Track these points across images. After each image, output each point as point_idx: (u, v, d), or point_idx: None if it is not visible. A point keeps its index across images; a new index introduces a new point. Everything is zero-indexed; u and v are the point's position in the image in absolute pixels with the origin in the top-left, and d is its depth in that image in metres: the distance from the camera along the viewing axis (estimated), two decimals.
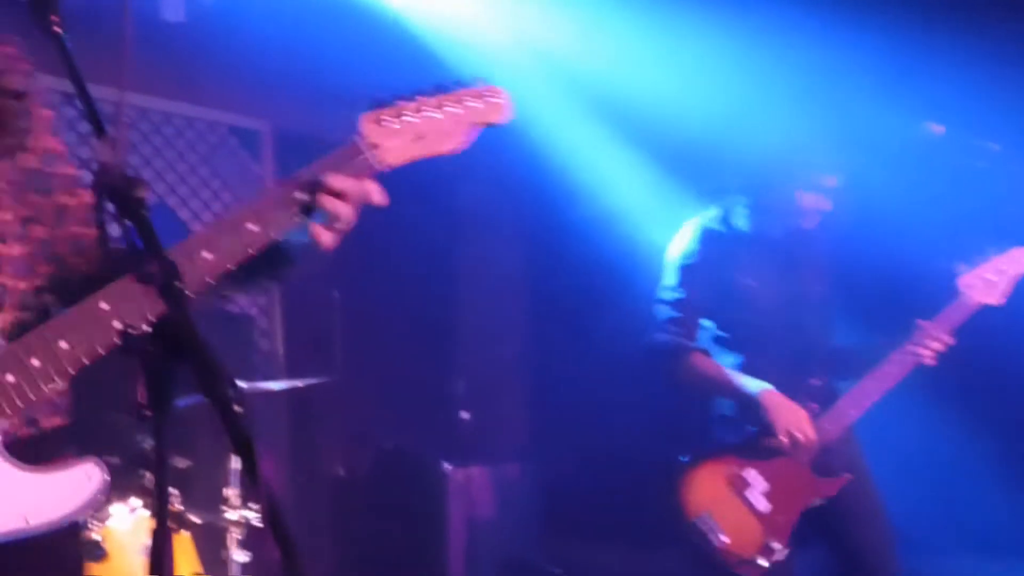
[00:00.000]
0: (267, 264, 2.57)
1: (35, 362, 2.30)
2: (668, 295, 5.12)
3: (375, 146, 2.62)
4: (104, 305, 2.34)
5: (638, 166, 7.24)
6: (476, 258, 8.24)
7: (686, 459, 5.00)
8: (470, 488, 7.32)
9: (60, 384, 2.34)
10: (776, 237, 5.05)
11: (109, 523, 4.60)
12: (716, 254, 5.07)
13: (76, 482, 2.38)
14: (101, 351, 2.35)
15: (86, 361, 2.35)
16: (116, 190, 2.06)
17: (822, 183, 4.93)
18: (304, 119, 7.40)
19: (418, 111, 2.65)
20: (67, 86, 2.16)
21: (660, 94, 6.75)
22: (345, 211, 2.51)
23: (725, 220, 5.13)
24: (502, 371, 8.23)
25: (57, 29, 2.14)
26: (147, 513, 4.59)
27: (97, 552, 4.51)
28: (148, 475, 4.58)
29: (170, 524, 2.19)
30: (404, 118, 2.65)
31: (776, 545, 4.84)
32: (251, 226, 2.47)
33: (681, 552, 4.90)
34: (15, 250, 2.46)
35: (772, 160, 4.96)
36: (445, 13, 6.99)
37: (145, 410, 2.10)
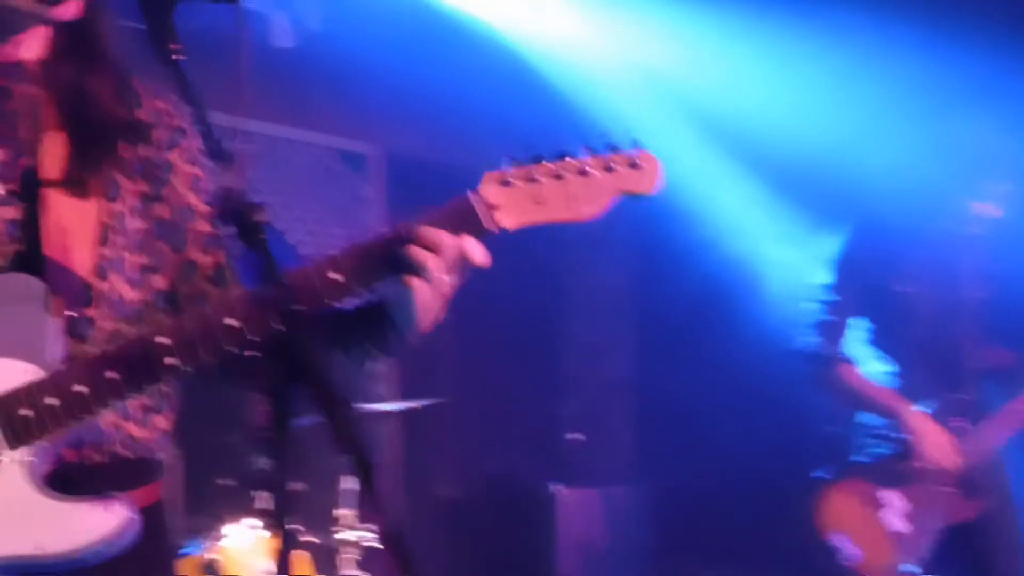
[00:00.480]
0: (365, 327, 2.50)
1: (80, 388, 2.31)
2: (820, 295, 5.03)
3: (493, 207, 2.43)
4: (159, 339, 2.36)
5: (746, 183, 7.20)
6: (584, 277, 8.24)
7: (821, 476, 4.92)
8: (579, 509, 7.30)
9: (96, 414, 2.36)
10: (936, 243, 4.92)
11: (224, 543, 4.65)
12: (874, 257, 4.96)
13: (97, 517, 2.39)
14: (146, 387, 2.35)
15: (132, 394, 2.34)
16: (237, 215, 2.08)
17: (993, 189, 4.82)
18: (412, 143, 7.46)
19: (554, 175, 2.46)
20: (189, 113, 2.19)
21: (768, 112, 6.72)
22: (436, 266, 2.37)
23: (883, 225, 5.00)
24: (611, 391, 8.21)
25: (177, 57, 2.16)
26: (262, 534, 4.63)
27: (214, 572, 4.56)
28: (262, 496, 4.62)
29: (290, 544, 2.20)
30: (536, 180, 2.46)
31: (911, 568, 4.75)
32: (333, 275, 2.38)
33: (806, 573, 4.83)
34: (127, 293, 2.49)
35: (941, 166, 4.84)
36: (554, 36, 7.01)
37: (265, 432, 2.11)
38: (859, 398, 4.92)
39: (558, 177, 2.45)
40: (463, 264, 2.39)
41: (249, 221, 2.08)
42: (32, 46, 2.44)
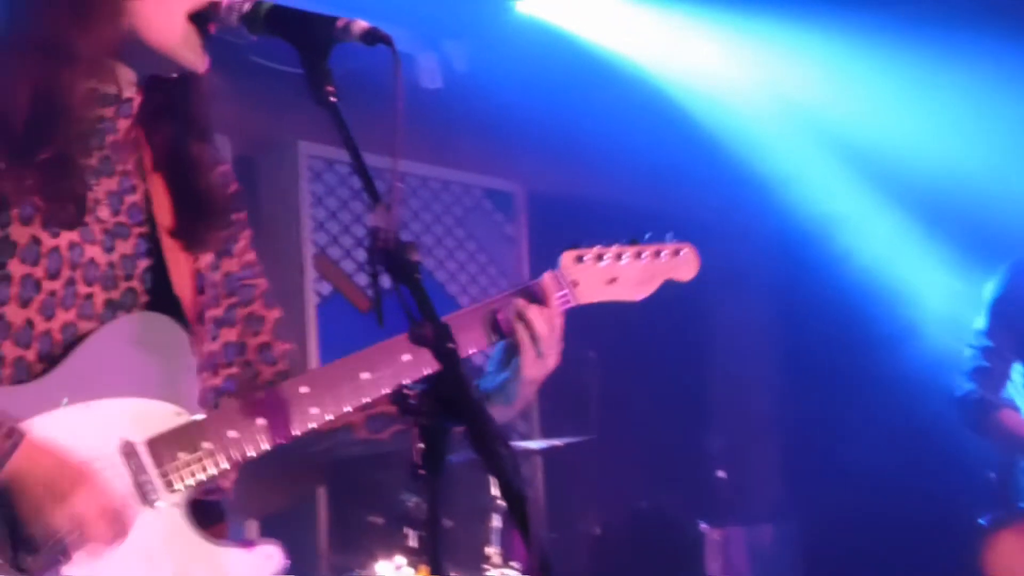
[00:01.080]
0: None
1: (232, 433, 2.36)
2: (977, 341, 4.94)
3: (575, 283, 2.71)
4: (303, 389, 2.40)
5: (895, 215, 7.10)
6: (730, 314, 8.18)
7: (986, 521, 4.81)
8: (727, 548, 7.23)
9: (259, 455, 2.40)
10: None
11: None
12: None
13: (256, 564, 2.41)
14: (295, 433, 2.40)
15: (282, 441, 2.40)
16: (390, 254, 2.10)
17: None
18: (556, 181, 7.48)
19: (617, 257, 2.76)
20: (343, 155, 2.22)
21: (916, 142, 6.62)
22: (530, 340, 2.57)
23: None
24: (758, 429, 8.13)
25: (333, 100, 2.20)
26: (411, 571, 4.65)
27: None
28: (411, 533, 4.64)
29: None
30: (603, 261, 2.75)
31: None
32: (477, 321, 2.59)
33: None
34: (210, 344, 2.54)
35: None
36: (696, 70, 6.99)
37: (420, 469, 2.13)
38: (1021, 443, 4.82)
39: (620, 259, 2.76)
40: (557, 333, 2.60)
41: (402, 260, 2.10)
42: (137, 88, 2.48)
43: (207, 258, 2.52)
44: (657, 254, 2.80)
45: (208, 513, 2.44)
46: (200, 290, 2.49)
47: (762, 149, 7.09)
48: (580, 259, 2.73)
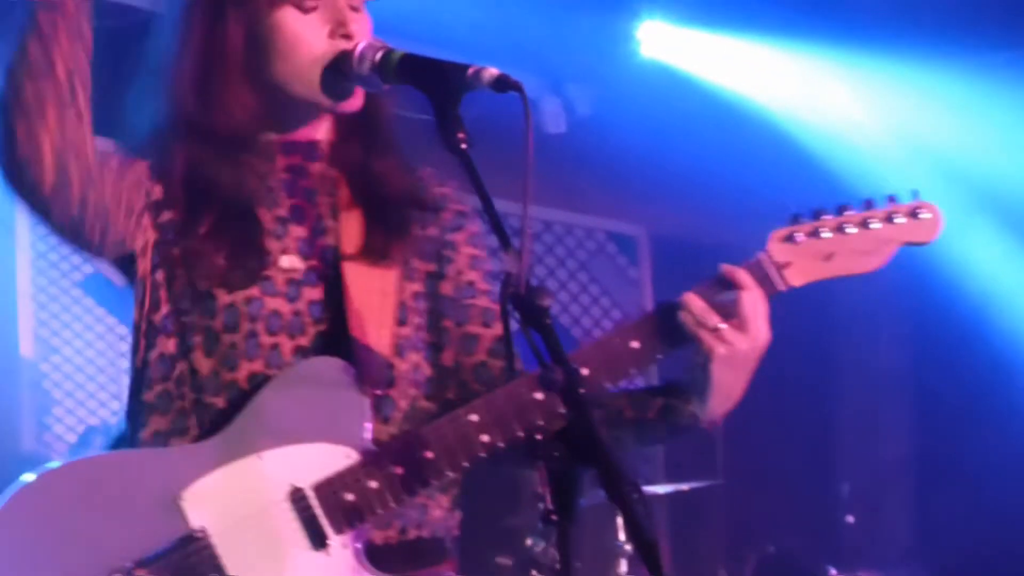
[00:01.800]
0: (662, 407, 2.49)
1: (398, 470, 2.35)
2: None
3: (784, 265, 2.44)
4: (473, 417, 2.39)
5: None
6: (858, 354, 8.08)
7: None
8: None
9: (416, 495, 2.39)
10: None
11: None
12: None
13: None
14: (465, 464, 2.38)
15: (451, 474, 2.38)
16: (521, 299, 2.11)
17: None
18: (680, 224, 7.46)
19: (837, 228, 2.44)
20: (474, 201, 2.24)
21: None
22: (731, 334, 2.36)
23: None
24: (887, 471, 8.01)
25: (464, 146, 2.21)
26: None
27: None
28: None
29: None
30: (820, 235, 2.44)
31: None
32: (634, 343, 2.39)
33: None
34: (423, 370, 2.54)
35: None
36: (822, 111, 6.95)
37: (551, 514, 2.12)
38: None
39: (842, 231, 2.44)
40: (754, 329, 2.38)
41: (533, 305, 2.11)
42: (323, 128, 2.53)
43: (413, 287, 2.52)
44: (889, 218, 2.45)
45: (425, 552, 2.47)
46: (401, 321, 2.49)
47: (889, 190, 7.01)
48: (791, 238, 2.43)
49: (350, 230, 2.49)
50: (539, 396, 2.34)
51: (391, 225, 2.49)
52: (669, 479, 6.69)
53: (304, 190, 2.50)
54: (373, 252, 2.47)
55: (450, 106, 2.22)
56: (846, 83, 6.85)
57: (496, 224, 2.19)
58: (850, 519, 7.19)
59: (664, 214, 7.42)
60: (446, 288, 2.57)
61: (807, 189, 6.97)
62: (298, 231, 2.47)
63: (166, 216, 2.42)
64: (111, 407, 5.55)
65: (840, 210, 2.45)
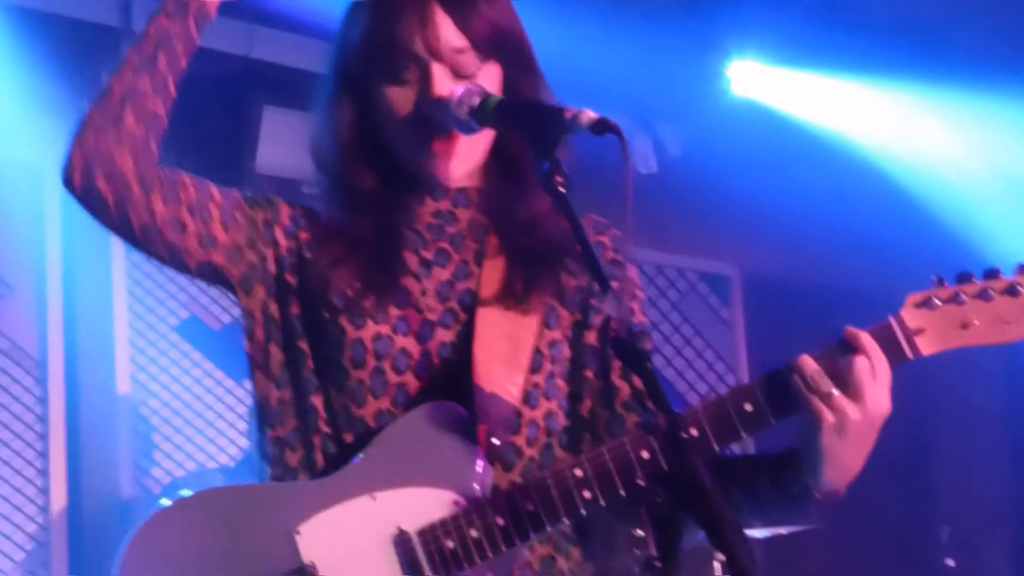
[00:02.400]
0: (773, 478, 2.41)
1: (499, 520, 2.34)
2: None
3: (917, 331, 2.33)
4: (578, 472, 2.35)
5: None
6: (957, 397, 7.97)
7: None
8: None
9: (524, 545, 2.38)
10: None
11: None
12: None
13: None
14: (565, 519, 2.35)
15: (550, 528, 2.36)
16: (622, 343, 2.10)
17: None
18: (773, 263, 7.40)
19: (980, 294, 2.32)
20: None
21: None
22: (843, 402, 2.27)
23: None
24: (988, 515, 7.89)
25: (562, 190, 2.21)
26: None
27: None
28: None
29: None
30: (960, 301, 2.32)
31: None
32: (747, 406, 2.31)
33: None
34: (556, 420, 2.53)
35: None
36: (914, 147, 6.89)
37: (654, 560, 2.10)
38: None
39: (986, 297, 2.32)
40: (869, 398, 2.30)
41: (634, 349, 2.10)
42: (474, 175, 2.53)
43: (552, 335, 2.49)
44: None
45: None
46: (534, 368, 2.47)
47: (986, 228, 6.93)
48: (928, 303, 2.31)
49: (492, 276, 2.49)
50: (645, 455, 2.30)
51: (533, 272, 2.48)
52: (766, 524, 6.62)
53: (451, 235, 2.51)
54: (511, 297, 2.46)
55: (549, 149, 2.22)
56: (941, 119, 6.79)
57: (594, 266, 2.18)
58: (950, 562, 7.08)
59: (757, 253, 7.38)
60: (590, 338, 2.53)
61: (902, 227, 6.90)
62: (441, 274, 2.48)
63: (294, 247, 2.49)
64: (208, 451, 5.59)
65: (987, 275, 2.32)
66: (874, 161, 6.96)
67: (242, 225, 2.46)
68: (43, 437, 5.23)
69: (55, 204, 5.38)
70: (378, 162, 2.49)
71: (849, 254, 7.14)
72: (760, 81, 6.63)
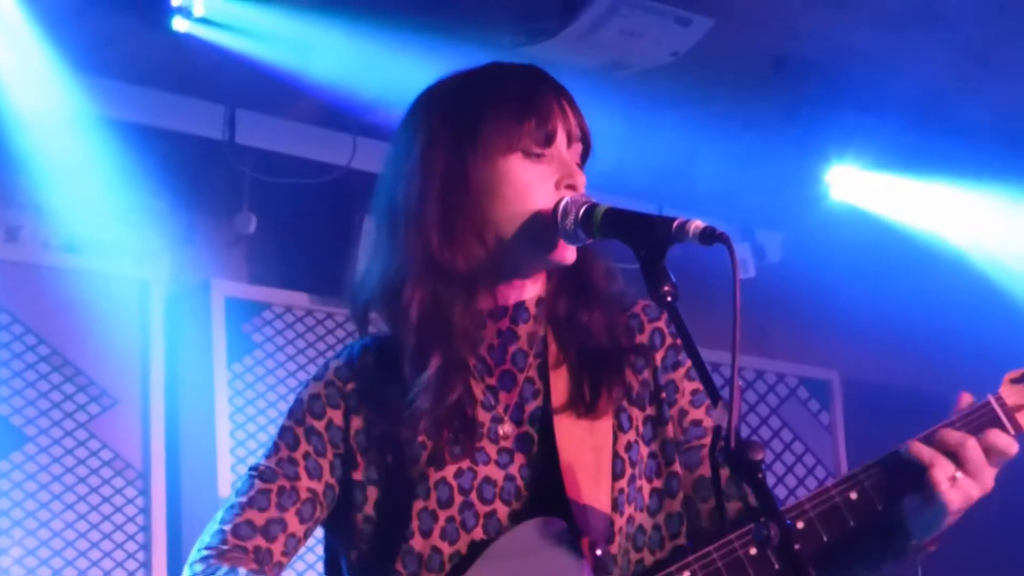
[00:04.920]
0: (882, 539, 2.41)
1: None
2: None
3: (1017, 408, 2.38)
4: (687, 574, 2.34)
5: None
6: None
7: None
8: None
9: None
10: None
11: None
12: None
13: None
14: None
15: None
16: (732, 454, 2.07)
17: None
18: (874, 368, 7.33)
19: None
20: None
21: None
22: (950, 471, 2.30)
23: None
24: None
25: (670, 299, 2.20)
26: None
27: None
28: None
29: None
30: None
31: None
32: (852, 495, 2.35)
33: None
34: (645, 522, 2.50)
35: None
36: (1014, 251, 6.81)
37: None
38: None
39: None
40: (990, 464, 2.32)
41: (744, 459, 2.07)
42: (533, 288, 2.53)
43: (626, 437, 2.48)
44: None
45: None
46: (617, 475, 2.45)
47: None
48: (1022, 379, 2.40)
49: (559, 387, 2.47)
50: (753, 552, 2.30)
51: (600, 376, 2.46)
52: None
53: (513, 354, 2.50)
54: (581, 406, 2.44)
55: (656, 259, 2.22)
56: None
57: (705, 376, 2.17)
58: None
59: (857, 358, 7.30)
60: (670, 431, 2.52)
61: (1002, 330, 6.80)
62: (507, 398, 2.47)
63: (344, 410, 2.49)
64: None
65: None
66: (973, 264, 6.89)
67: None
68: (145, 547, 5.25)
69: (159, 316, 5.45)
70: (480, 243, 2.44)
71: (949, 358, 7.03)
72: (859, 186, 6.59)
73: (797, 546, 2.05)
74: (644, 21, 5.06)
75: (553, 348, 2.50)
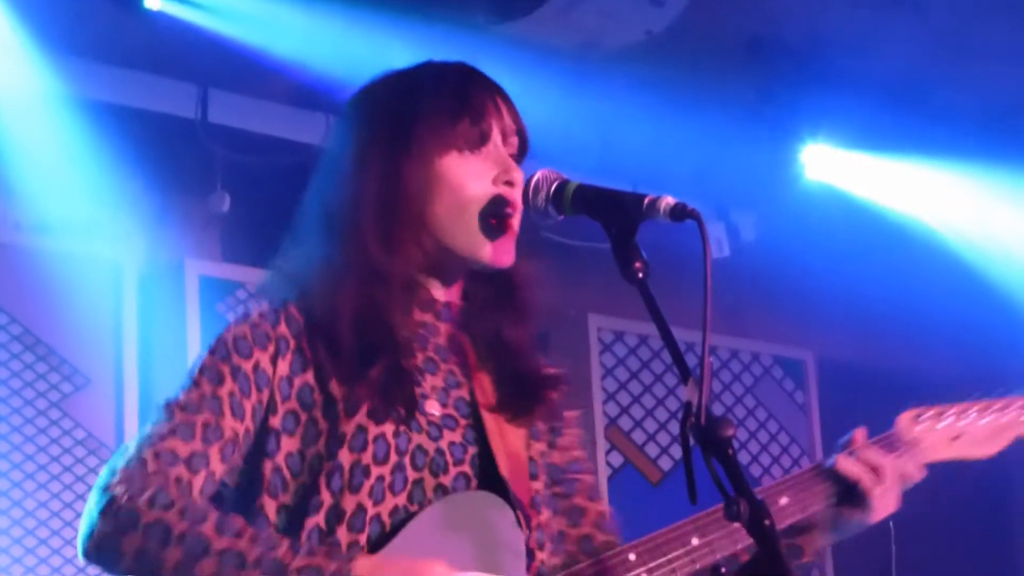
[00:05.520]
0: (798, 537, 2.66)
1: None
2: None
3: (914, 442, 2.68)
4: (631, 556, 2.39)
5: None
6: None
7: None
8: None
9: None
10: None
11: None
12: None
13: None
14: None
15: None
16: (703, 430, 2.08)
17: None
18: (848, 348, 7.35)
19: (960, 414, 2.72)
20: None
21: None
22: (875, 486, 2.61)
23: None
24: None
25: (641, 276, 2.20)
26: None
27: None
28: None
29: None
30: (944, 420, 2.72)
31: None
32: (783, 500, 2.58)
33: None
34: (554, 529, 2.53)
35: None
36: (993, 232, 6.83)
37: None
38: None
39: (965, 417, 2.71)
40: (902, 485, 2.63)
41: (715, 436, 2.08)
42: (456, 291, 2.54)
43: (539, 446, 2.54)
44: (1004, 409, 2.75)
45: None
46: (533, 475, 2.49)
47: None
48: (918, 418, 2.71)
49: (484, 387, 2.50)
50: (696, 542, 2.41)
51: (524, 394, 2.51)
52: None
53: (436, 346, 2.50)
54: (507, 411, 2.49)
55: (627, 236, 2.22)
56: (1016, 203, 6.73)
57: (676, 354, 2.17)
58: None
59: (831, 338, 7.32)
60: (555, 458, 2.59)
61: (976, 312, 6.83)
62: (432, 380, 2.46)
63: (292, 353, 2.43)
64: None
65: (972, 397, 2.75)
66: (949, 245, 6.90)
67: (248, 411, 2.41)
68: None
69: (132, 296, 5.44)
70: (418, 244, 2.44)
71: (924, 338, 7.06)
72: (834, 166, 6.60)
73: (768, 522, 2.06)
74: (618, 0, 5.07)
75: (472, 356, 2.52)
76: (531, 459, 2.50)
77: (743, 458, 7.00)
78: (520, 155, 2.52)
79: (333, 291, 2.40)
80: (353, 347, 2.38)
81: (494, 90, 2.51)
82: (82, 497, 5.22)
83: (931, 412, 2.71)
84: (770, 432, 7.22)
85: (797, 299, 6.94)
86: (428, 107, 2.46)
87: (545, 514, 2.49)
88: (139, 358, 5.43)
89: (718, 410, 6.34)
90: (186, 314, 5.48)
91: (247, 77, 5.46)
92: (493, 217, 2.43)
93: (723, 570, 2.19)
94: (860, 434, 2.68)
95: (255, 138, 5.66)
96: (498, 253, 2.45)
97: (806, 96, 5.93)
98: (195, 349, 5.44)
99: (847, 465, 2.61)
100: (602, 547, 2.55)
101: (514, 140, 2.51)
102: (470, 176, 2.43)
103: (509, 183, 2.44)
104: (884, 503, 2.58)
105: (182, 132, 5.55)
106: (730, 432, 2.07)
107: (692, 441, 2.09)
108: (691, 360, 2.15)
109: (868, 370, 7.20)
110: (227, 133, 5.63)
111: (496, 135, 2.47)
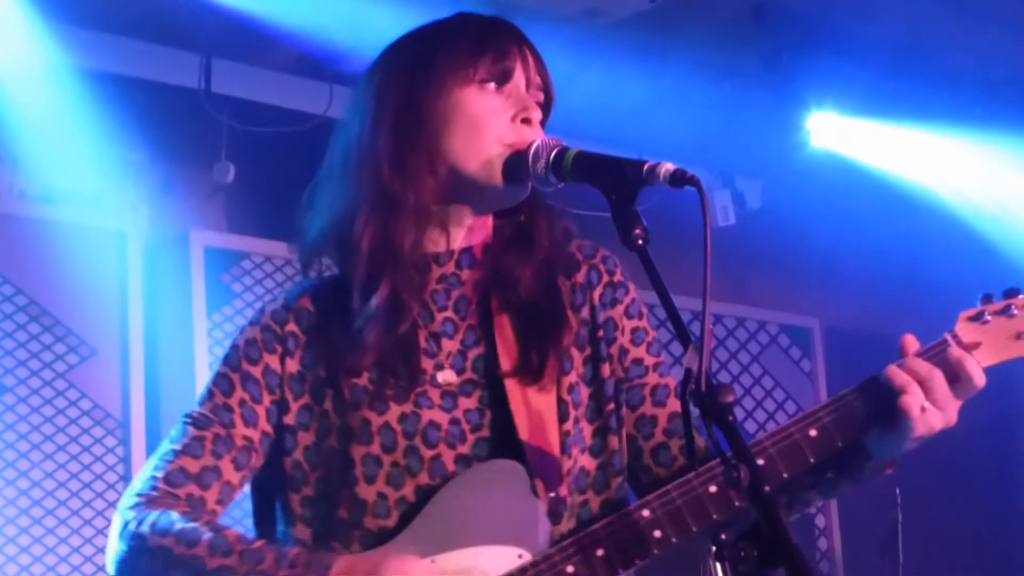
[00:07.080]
0: (841, 463, 2.45)
1: (569, 568, 2.32)
2: None
3: (974, 345, 2.42)
4: (646, 513, 2.34)
5: None
6: None
7: None
8: None
9: None
10: None
11: None
12: None
13: None
14: (638, 561, 2.34)
15: (623, 572, 2.33)
16: (703, 397, 2.07)
17: None
18: (855, 315, 7.34)
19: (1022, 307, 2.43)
20: (652, 298, 2.21)
21: None
22: (919, 398, 2.34)
23: None
24: None
25: (641, 243, 2.19)
26: None
27: None
28: None
29: None
30: (1011, 313, 2.43)
31: None
32: (812, 432, 2.39)
33: None
34: (588, 463, 2.49)
35: None
36: (999, 199, 6.82)
37: None
38: None
39: None
40: (956, 397, 2.37)
41: (715, 402, 2.07)
42: (480, 233, 2.52)
43: (568, 380, 2.47)
44: None
45: None
46: (562, 418, 2.45)
47: None
48: (979, 317, 2.42)
49: (503, 336, 2.47)
50: (712, 489, 2.32)
51: (544, 333, 2.46)
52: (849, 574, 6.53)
53: (456, 300, 2.48)
54: (528, 363, 2.44)
55: (627, 202, 2.21)
56: (1021, 169, 6.72)
57: (676, 321, 2.16)
58: None
59: (837, 305, 7.32)
60: (608, 370, 2.52)
61: (983, 277, 6.81)
62: (449, 345, 2.45)
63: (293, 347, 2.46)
64: None
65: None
66: (955, 211, 6.90)
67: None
68: None
69: (137, 267, 5.44)
70: (434, 174, 2.42)
71: (929, 304, 7.05)
72: (839, 133, 6.59)
73: (767, 488, 2.06)
74: None
75: (495, 297, 2.50)
76: (559, 398, 2.45)
77: (750, 427, 7.01)
78: (545, 113, 2.51)
79: (351, 221, 2.41)
80: (365, 280, 2.41)
81: (522, 39, 2.50)
82: (89, 467, 5.24)
83: (994, 307, 2.42)
84: (777, 400, 7.22)
85: (803, 267, 6.94)
86: (451, 41, 2.46)
87: (575, 454, 2.45)
88: (145, 329, 5.43)
89: (724, 378, 6.39)
90: (191, 284, 5.49)
91: (251, 47, 5.45)
92: (517, 168, 2.40)
93: (723, 536, 2.17)
94: (910, 340, 2.44)
95: (259, 108, 5.65)
96: (522, 188, 2.45)
97: (811, 64, 5.91)
98: (201, 319, 5.45)
99: (894, 374, 2.36)
100: (679, 453, 2.50)
101: (539, 94, 2.49)
102: (488, 111, 2.41)
103: (527, 121, 2.42)
104: (927, 421, 2.32)
105: (186, 102, 5.55)
106: (730, 398, 2.05)
107: (692, 407, 2.08)
108: (695, 329, 2.14)
109: (875, 336, 7.17)
110: (231, 103, 5.62)
111: (520, 77, 2.45)
